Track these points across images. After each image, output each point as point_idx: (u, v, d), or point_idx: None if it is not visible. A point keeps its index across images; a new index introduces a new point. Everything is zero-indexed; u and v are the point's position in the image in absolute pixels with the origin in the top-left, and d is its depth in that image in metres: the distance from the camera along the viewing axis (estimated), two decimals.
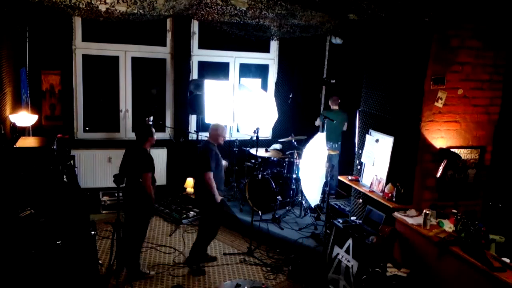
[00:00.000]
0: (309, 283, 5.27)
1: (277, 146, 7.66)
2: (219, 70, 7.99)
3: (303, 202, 6.85)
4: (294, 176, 6.88)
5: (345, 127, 7.43)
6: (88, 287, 4.50)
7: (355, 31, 6.66)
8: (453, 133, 4.82)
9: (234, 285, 4.34)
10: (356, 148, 5.84)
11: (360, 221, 5.11)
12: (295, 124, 8.04)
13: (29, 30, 6.68)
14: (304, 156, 6.39)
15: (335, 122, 6.99)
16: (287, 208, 6.94)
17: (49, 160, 4.80)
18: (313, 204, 6.49)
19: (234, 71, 8.03)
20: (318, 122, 7.72)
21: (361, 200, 5.60)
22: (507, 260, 3.82)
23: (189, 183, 7.51)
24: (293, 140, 7.12)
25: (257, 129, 6.61)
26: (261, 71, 8.27)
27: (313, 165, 6.22)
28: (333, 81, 7.80)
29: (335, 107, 7.45)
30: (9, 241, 4.00)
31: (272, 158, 7.05)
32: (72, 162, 6.34)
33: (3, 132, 5.07)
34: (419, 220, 4.53)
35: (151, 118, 7.23)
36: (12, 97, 6.04)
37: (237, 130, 8.02)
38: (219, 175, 5.35)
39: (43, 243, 4.09)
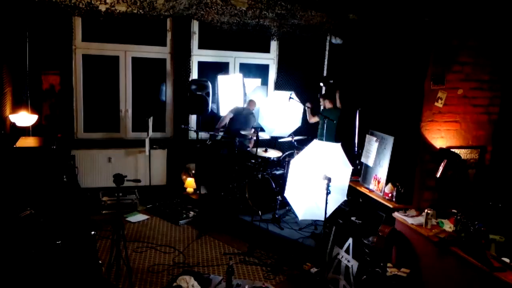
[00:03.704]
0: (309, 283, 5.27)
1: None
2: (219, 70, 7.98)
3: None
4: None
5: None
6: (88, 287, 4.50)
7: (355, 31, 6.67)
8: (453, 133, 4.82)
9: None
10: (356, 148, 5.84)
11: (360, 221, 5.11)
12: None
13: (29, 30, 6.67)
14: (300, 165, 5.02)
15: (334, 122, 6.90)
16: (287, 208, 6.93)
17: (49, 160, 4.80)
18: (300, 218, 5.65)
19: (234, 71, 8.02)
20: (313, 120, 7.60)
21: (361, 200, 5.60)
22: (507, 260, 3.82)
23: (189, 183, 7.50)
24: (293, 140, 7.12)
25: (257, 129, 6.60)
26: (261, 71, 8.26)
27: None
28: (331, 81, 7.78)
29: (330, 106, 7.32)
30: (9, 241, 4.00)
31: (272, 158, 7.04)
32: (72, 162, 6.35)
33: (3, 132, 5.07)
34: (419, 220, 4.54)
35: (151, 118, 7.26)
36: (12, 97, 6.05)
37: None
38: None
39: (43, 243, 4.09)
